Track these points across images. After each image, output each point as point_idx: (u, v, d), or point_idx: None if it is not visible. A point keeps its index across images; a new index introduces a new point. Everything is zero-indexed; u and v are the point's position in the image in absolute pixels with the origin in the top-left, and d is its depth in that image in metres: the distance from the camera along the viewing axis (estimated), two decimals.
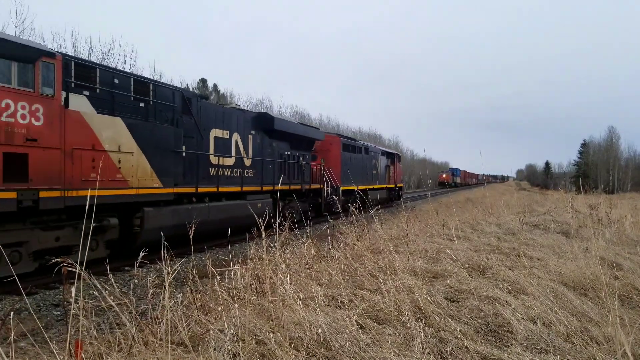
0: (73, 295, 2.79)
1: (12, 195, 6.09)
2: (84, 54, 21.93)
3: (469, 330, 3.86)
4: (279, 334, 3.46)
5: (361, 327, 3.78)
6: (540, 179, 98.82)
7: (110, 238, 7.94)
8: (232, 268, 4.70)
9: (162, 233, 6.17)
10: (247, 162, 11.91)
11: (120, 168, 7.85)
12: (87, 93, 7.44)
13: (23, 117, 6.26)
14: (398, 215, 10.88)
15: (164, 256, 4.49)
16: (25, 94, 6.30)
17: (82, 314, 3.30)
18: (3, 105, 6.02)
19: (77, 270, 3.09)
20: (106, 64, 22.32)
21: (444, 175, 68.78)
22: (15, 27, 17.35)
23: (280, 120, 14.07)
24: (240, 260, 5.20)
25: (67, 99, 6.93)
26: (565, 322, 3.94)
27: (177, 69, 74.95)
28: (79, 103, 7.23)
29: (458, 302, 4.66)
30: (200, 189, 9.80)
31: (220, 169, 10.74)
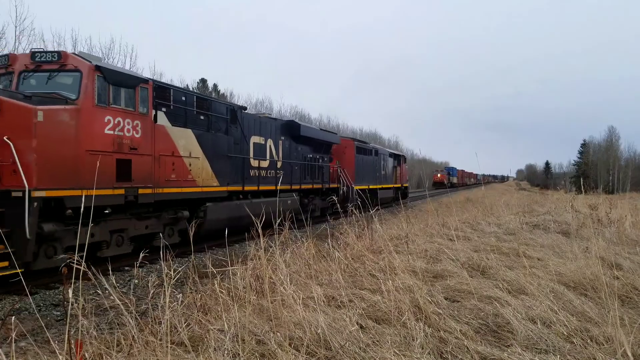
0: (70, 295, 2.79)
1: (122, 192, 7.75)
2: None
3: (469, 330, 3.86)
4: (278, 334, 3.47)
5: (361, 327, 3.78)
6: (540, 179, 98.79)
7: (182, 227, 9.39)
8: (231, 268, 4.70)
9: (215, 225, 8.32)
10: (279, 164, 13.51)
11: (190, 170, 9.55)
12: (164, 110, 9.00)
13: (128, 130, 7.89)
14: (398, 215, 10.89)
15: (164, 256, 4.49)
16: (129, 112, 7.95)
17: (82, 314, 3.30)
18: (116, 122, 7.64)
19: (81, 268, 3.09)
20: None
21: (439, 175, 64.24)
22: (15, 27, 17.31)
23: (305, 127, 15.83)
24: (239, 260, 5.20)
25: (155, 116, 8.65)
26: (565, 322, 3.94)
27: (177, 69, 75.07)
28: (161, 118, 8.87)
29: (458, 302, 4.66)
30: (246, 188, 11.62)
31: (258, 170, 12.47)
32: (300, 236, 6.64)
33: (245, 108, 12.92)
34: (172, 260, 4.34)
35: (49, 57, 7.37)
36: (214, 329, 3.58)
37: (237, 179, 11.30)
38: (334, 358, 3.27)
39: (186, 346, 3.30)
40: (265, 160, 12.89)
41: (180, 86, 15.33)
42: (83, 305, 3.39)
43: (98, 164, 6.28)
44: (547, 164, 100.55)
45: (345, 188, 17.92)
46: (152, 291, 3.79)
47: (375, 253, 6.52)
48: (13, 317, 2.90)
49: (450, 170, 71.19)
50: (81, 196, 6.42)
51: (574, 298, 4.64)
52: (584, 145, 70.76)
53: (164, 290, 3.44)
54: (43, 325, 3.79)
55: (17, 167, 6.06)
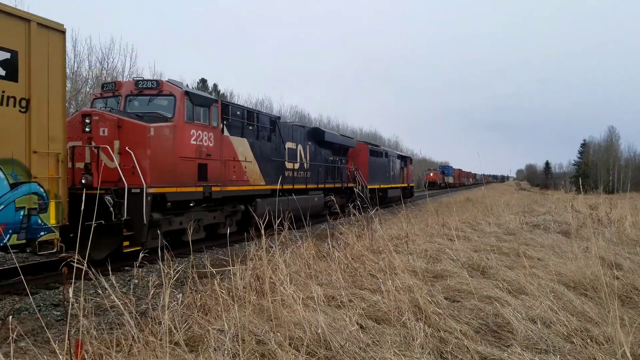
0: (71, 294, 2.79)
1: (201, 189, 9.75)
2: (84, 54, 21.98)
3: (469, 330, 3.86)
4: (278, 334, 3.46)
5: (361, 327, 3.78)
6: (540, 179, 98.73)
7: (238, 219, 11.40)
8: (231, 268, 4.70)
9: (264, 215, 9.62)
10: (306, 166, 15.38)
11: (245, 172, 11.63)
12: (226, 122, 10.91)
13: (205, 140, 9.91)
14: (398, 215, 10.89)
15: (163, 256, 4.49)
16: (206, 126, 10.01)
17: (82, 314, 3.30)
18: (197, 134, 9.66)
19: (83, 268, 3.09)
20: (106, 64, 22.41)
21: (431, 175, 57.73)
22: None
23: (329, 133, 18.08)
24: (239, 260, 5.20)
25: (222, 128, 10.69)
26: (565, 322, 3.94)
27: (177, 69, 75.01)
28: (226, 130, 10.90)
29: (458, 302, 4.66)
30: (285, 187, 13.46)
31: (292, 172, 14.28)
32: (300, 236, 6.64)
33: (280, 118, 14.90)
34: (171, 260, 4.34)
35: (149, 85, 9.42)
36: (214, 329, 3.58)
37: (276, 179, 12.85)
38: (334, 358, 3.27)
39: (186, 346, 3.30)
40: (297, 162, 14.72)
41: (236, 103, 17.84)
42: (83, 305, 3.39)
43: (187, 167, 9.03)
44: (547, 164, 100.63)
45: (360, 187, 19.42)
46: (152, 291, 3.79)
47: (375, 253, 6.51)
48: (10, 317, 2.88)
49: (445, 169, 65.94)
50: (177, 192, 8.99)
51: (574, 298, 4.64)
52: (584, 145, 70.75)
53: (164, 291, 3.44)
54: (44, 324, 3.78)
55: (136, 170, 7.92)
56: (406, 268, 5.54)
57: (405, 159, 30.14)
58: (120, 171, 7.80)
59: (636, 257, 6.68)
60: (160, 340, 3.19)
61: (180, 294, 4.30)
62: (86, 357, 3.13)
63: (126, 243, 7.83)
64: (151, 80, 9.55)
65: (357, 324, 3.75)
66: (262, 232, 4.67)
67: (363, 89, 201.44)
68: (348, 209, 8.01)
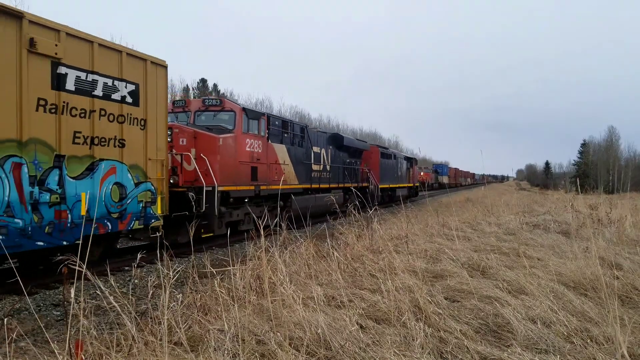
0: (72, 294, 2.79)
1: (252, 187, 11.68)
2: None
3: (469, 330, 3.86)
4: (278, 334, 3.46)
5: (361, 327, 3.78)
6: (540, 179, 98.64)
7: (277, 213, 12.14)
8: (231, 268, 4.70)
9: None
10: (328, 167, 17.19)
11: (284, 173, 13.36)
12: (269, 131, 12.72)
13: (255, 147, 11.90)
14: (398, 215, 10.90)
15: (163, 256, 4.50)
16: (256, 136, 12.02)
17: (82, 314, 3.29)
18: (251, 142, 11.66)
19: (83, 269, 3.09)
20: None
21: (422, 174, 48.33)
22: None
23: (347, 138, 19.87)
24: (239, 260, 5.20)
25: (267, 137, 12.58)
26: (565, 322, 3.94)
27: (177, 69, 74.94)
28: (270, 138, 12.75)
29: (458, 302, 4.66)
30: (313, 186, 15.52)
31: (317, 173, 16.15)
32: (299, 236, 6.64)
33: (308, 126, 16.74)
34: (171, 260, 4.35)
35: (214, 102, 11.57)
36: (214, 328, 3.58)
37: (306, 179, 15.07)
38: (334, 358, 3.27)
39: (186, 346, 3.30)
40: (320, 165, 16.55)
41: (275, 114, 20.02)
42: (83, 305, 3.38)
43: (244, 169, 11.22)
44: (547, 164, 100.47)
45: (372, 187, 21.51)
46: (151, 291, 3.79)
47: (375, 253, 6.51)
48: (5, 319, 2.88)
49: (439, 168, 60.34)
50: (237, 190, 11.00)
51: (574, 298, 4.64)
52: (584, 145, 70.69)
53: (163, 291, 3.44)
54: (40, 326, 3.78)
55: (209, 172, 9.88)
56: (406, 268, 5.54)
57: (410, 160, 31.52)
58: (199, 173, 9.69)
59: (636, 257, 6.67)
60: (160, 340, 3.19)
61: (180, 294, 4.30)
62: (86, 357, 3.13)
63: (202, 231, 9.84)
64: (215, 99, 11.80)
65: (357, 324, 3.75)
66: (262, 232, 4.67)
67: (363, 88, 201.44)
68: (369, 207, 8.92)
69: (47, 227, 6.25)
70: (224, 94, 41.27)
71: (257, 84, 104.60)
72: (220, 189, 10.16)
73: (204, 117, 11.46)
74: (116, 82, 7.36)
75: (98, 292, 3.42)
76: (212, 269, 4.40)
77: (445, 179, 56.53)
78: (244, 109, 11.46)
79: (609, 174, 62.90)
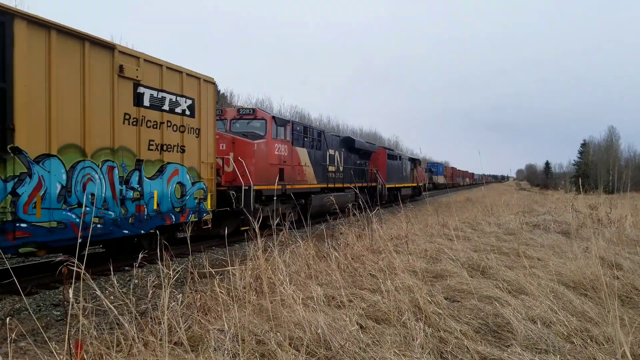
0: (71, 295, 2.79)
1: (280, 187, 12.82)
2: None
3: (469, 330, 3.86)
4: (278, 334, 3.46)
5: (361, 327, 3.78)
6: (540, 179, 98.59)
7: (297, 210, 13.60)
8: (231, 268, 4.69)
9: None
10: (341, 168, 18.56)
11: (305, 174, 14.91)
12: (293, 136, 14.16)
13: (282, 151, 13.30)
14: (398, 215, 10.90)
15: (163, 256, 4.49)
16: (283, 141, 13.49)
17: (82, 314, 3.29)
18: (279, 147, 13.11)
19: (82, 270, 3.09)
20: None
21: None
22: None
23: (358, 141, 21.53)
24: (239, 260, 5.20)
25: (292, 141, 14.02)
26: (565, 322, 3.93)
27: None
28: (294, 143, 14.22)
29: (458, 302, 4.66)
30: (329, 185, 16.99)
31: (332, 174, 17.53)
32: (299, 236, 6.64)
33: (324, 131, 18.20)
34: (171, 261, 4.35)
35: (247, 111, 13.07)
36: (214, 328, 3.58)
37: (323, 179, 16.58)
38: (334, 358, 3.27)
39: (186, 346, 3.30)
40: (334, 166, 17.94)
41: (297, 120, 22.05)
42: (83, 305, 3.38)
43: (273, 171, 12.67)
44: (547, 164, 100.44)
45: (380, 186, 23.00)
46: (151, 291, 3.79)
47: (375, 253, 6.51)
48: (5, 319, 2.89)
49: (433, 167, 54.68)
50: (268, 189, 12.09)
51: (574, 298, 4.64)
52: (584, 145, 70.66)
53: (163, 290, 3.44)
54: (39, 326, 3.78)
55: (245, 173, 11.21)
56: (406, 268, 5.54)
57: (414, 161, 32.60)
58: (237, 173, 11.17)
59: (636, 257, 6.67)
60: (160, 340, 3.19)
61: (180, 294, 4.30)
62: (86, 357, 3.13)
63: (240, 225, 11.28)
64: (249, 109, 13.32)
65: (357, 324, 3.75)
66: (258, 232, 4.67)
67: (363, 88, 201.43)
68: (377, 204, 11.45)
69: (130, 219, 7.68)
70: (224, 93, 41.31)
71: (257, 84, 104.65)
72: (256, 188, 11.53)
73: (238, 124, 12.90)
74: (178, 98, 8.79)
75: (98, 292, 3.42)
76: (212, 269, 4.40)
77: (441, 179, 53.22)
78: (273, 117, 13.03)
79: (609, 174, 62.88)
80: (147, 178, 8.02)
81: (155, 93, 8.16)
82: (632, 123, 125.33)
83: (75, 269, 3.09)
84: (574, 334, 3.76)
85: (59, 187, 6.40)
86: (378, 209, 9.22)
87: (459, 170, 71.62)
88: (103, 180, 7.09)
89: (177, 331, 3.44)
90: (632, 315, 4.32)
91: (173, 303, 3.90)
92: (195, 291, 4.61)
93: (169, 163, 8.55)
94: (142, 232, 7.95)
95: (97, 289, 3.40)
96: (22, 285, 3.76)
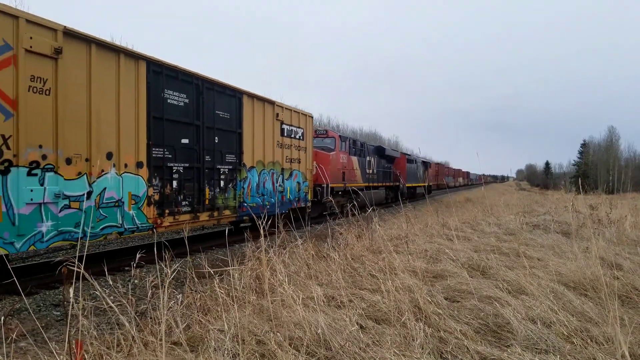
0: (71, 295, 2.79)
1: (342, 185, 17.77)
2: None
3: (469, 330, 3.86)
4: (278, 334, 3.46)
5: (361, 327, 3.78)
6: (540, 179, 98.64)
7: (352, 203, 15.09)
8: (231, 268, 4.69)
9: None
10: (375, 171, 22.97)
11: (356, 176, 19.62)
12: (348, 149, 19.03)
13: (343, 159, 18.20)
14: (398, 215, 10.90)
15: (163, 256, 4.49)
16: (344, 152, 18.39)
17: (82, 314, 3.29)
18: (342, 157, 18.17)
19: (81, 270, 3.09)
20: None
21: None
22: None
23: (387, 149, 26.35)
24: (239, 260, 5.19)
25: (348, 152, 18.66)
26: (565, 322, 3.93)
27: None
28: (349, 152, 19.17)
29: (458, 302, 4.66)
30: (369, 184, 21.40)
31: (370, 175, 21.87)
32: (299, 236, 6.64)
33: (365, 143, 22.67)
34: (171, 261, 4.34)
35: (322, 132, 17.97)
36: (214, 329, 3.58)
37: (364, 180, 20.90)
38: (334, 358, 3.27)
39: (185, 346, 3.30)
40: (371, 169, 22.41)
41: (348, 135, 26.39)
42: (83, 305, 3.38)
43: (339, 173, 17.47)
44: (547, 164, 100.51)
45: (401, 185, 27.64)
46: (150, 291, 3.79)
47: (375, 253, 6.51)
48: (5, 318, 2.89)
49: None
50: (337, 186, 16.84)
51: (574, 298, 4.64)
52: (584, 145, 70.71)
53: (162, 291, 3.43)
54: (39, 326, 3.78)
55: (325, 175, 15.76)
56: (406, 268, 5.54)
57: (426, 164, 37.32)
58: (321, 175, 15.77)
59: (636, 257, 6.67)
60: (160, 340, 3.19)
61: (180, 294, 4.30)
62: (86, 357, 3.13)
63: (321, 211, 16.13)
64: (323, 130, 18.17)
65: (357, 324, 3.75)
66: (261, 232, 4.66)
67: (363, 89, 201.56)
68: (394, 202, 17.25)
69: (279, 203, 12.50)
70: None
71: (257, 84, 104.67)
72: (331, 185, 16.36)
73: (315, 141, 16.89)
74: (296, 129, 13.79)
75: (98, 292, 3.42)
76: (211, 269, 4.40)
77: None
78: (340, 137, 18.39)
79: (609, 174, 62.88)
80: (285, 179, 13.12)
81: (288, 127, 13.20)
82: (632, 123, 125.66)
83: (75, 269, 3.09)
84: (574, 334, 3.76)
85: (254, 184, 11.40)
86: (378, 210, 9.62)
87: (448, 168, 60.92)
88: (270, 181, 12.18)
89: (177, 331, 3.44)
90: (632, 315, 4.32)
91: (172, 302, 3.90)
92: (195, 291, 4.61)
93: (293, 170, 13.70)
94: (284, 211, 12.24)
95: (98, 288, 3.40)
96: (22, 285, 3.76)
